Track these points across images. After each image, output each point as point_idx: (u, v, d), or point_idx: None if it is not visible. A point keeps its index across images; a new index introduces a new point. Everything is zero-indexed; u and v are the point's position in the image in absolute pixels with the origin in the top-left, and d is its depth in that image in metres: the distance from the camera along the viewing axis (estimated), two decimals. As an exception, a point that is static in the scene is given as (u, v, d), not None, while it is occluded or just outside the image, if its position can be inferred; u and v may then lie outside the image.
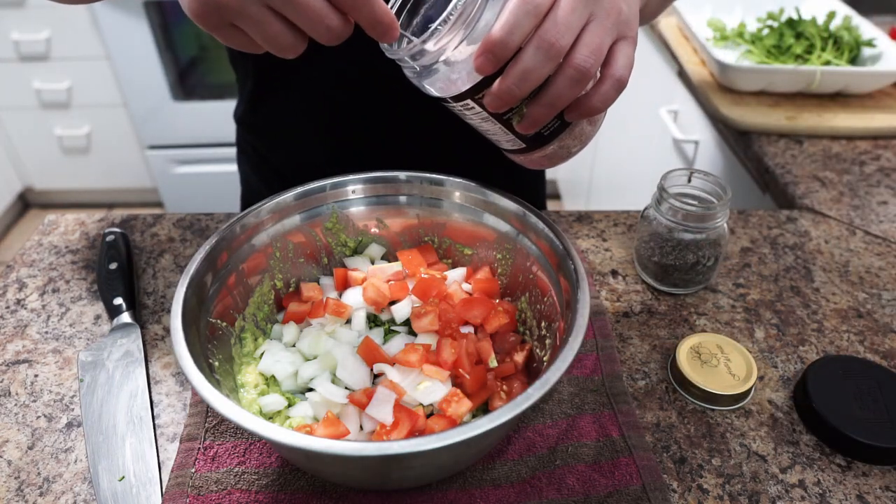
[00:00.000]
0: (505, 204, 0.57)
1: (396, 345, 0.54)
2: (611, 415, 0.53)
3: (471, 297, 0.56)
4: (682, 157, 1.34)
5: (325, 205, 0.59)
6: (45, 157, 2.37)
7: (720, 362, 0.56)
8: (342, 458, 0.38)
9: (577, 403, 0.54)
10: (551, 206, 2.35)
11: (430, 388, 0.49)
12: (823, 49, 1.05)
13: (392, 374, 0.50)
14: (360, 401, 0.47)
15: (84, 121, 2.26)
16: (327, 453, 0.37)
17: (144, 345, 0.60)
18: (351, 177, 0.59)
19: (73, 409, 0.54)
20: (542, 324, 0.53)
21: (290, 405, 0.51)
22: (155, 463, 0.50)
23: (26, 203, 2.61)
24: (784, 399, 0.56)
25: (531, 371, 0.54)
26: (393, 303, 0.57)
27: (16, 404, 0.55)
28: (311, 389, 0.51)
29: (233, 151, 0.93)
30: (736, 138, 1.01)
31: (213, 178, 2.26)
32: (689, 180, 0.63)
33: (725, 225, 0.62)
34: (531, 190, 0.89)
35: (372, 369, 0.51)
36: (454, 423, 0.47)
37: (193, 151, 2.22)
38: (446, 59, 0.42)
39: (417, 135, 0.74)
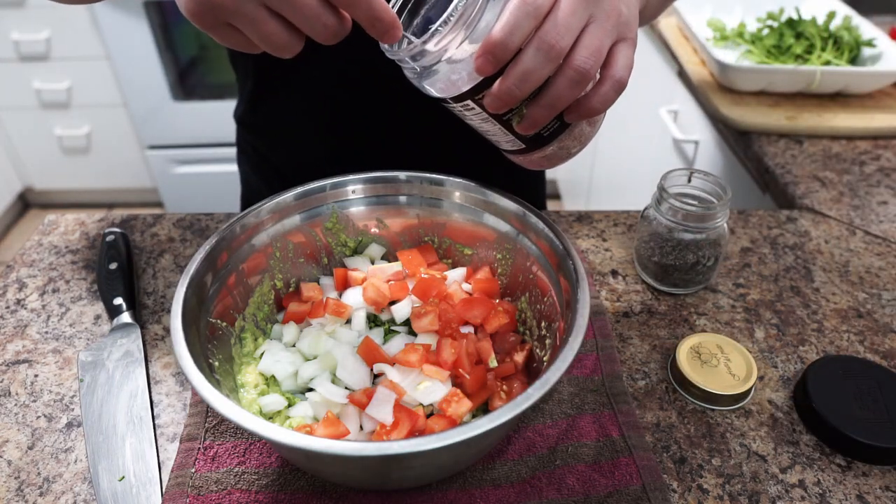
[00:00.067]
0: (505, 204, 0.57)
1: (396, 345, 0.54)
2: (611, 415, 0.53)
3: (471, 297, 0.56)
4: (682, 157, 1.34)
5: (325, 205, 0.59)
6: (45, 157, 2.37)
7: (720, 362, 0.56)
8: (342, 458, 0.38)
9: (577, 403, 0.54)
10: (551, 206, 2.35)
11: (430, 388, 0.49)
12: (823, 49, 1.05)
13: (392, 374, 0.50)
14: (360, 401, 0.47)
15: (84, 121, 2.26)
16: (327, 453, 0.37)
17: (144, 345, 0.60)
18: (351, 177, 0.59)
19: (73, 409, 0.55)
20: (542, 324, 0.53)
21: (290, 405, 0.51)
22: (155, 463, 0.50)
23: (26, 203, 2.61)
24: (784, 399, 0.56)
25: (531, 371, 0.54)
26: (393, 303, 0.57)
27: (16, 404, 0.55)
28: (311, 389, 0.51)
29: (233, 151, 0.93)
30: (736, 138, 1.01)
31: (213, 178, 2.26)
32: (689, 180, 0.63)
33: (725, 225, 0.62)
34: (531, 190, 0.89)
35: (372, 369, 0.51)
36: (454, 423, 0.47)
37: (193, 151, 2.22)
38: (447, 60, 0.42)
39: (417, 135, 0.74)
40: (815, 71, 0.99)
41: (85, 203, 2.59)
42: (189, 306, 0.47)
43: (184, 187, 2.32)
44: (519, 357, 0.53)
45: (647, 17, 0.72)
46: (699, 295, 0.66)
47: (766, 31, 1.13)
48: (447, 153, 0.74)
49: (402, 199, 0.60)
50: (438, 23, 0.41)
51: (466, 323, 0.54)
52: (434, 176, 0.59)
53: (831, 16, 1.09)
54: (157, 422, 0.54)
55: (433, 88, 0.45)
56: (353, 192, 0.60)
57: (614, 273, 0.69)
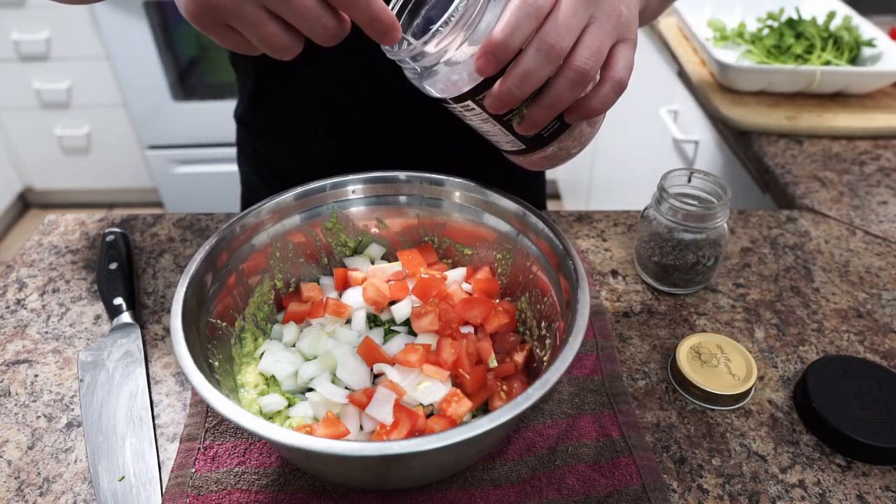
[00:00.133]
0: (505, 204, 0.57)
1: (396, 345, 0.54)
2: (611, 415, 0.53)
3: (471, 297, 0.56)
4: (682, 157, 1.34)
5: (325, 205, 0.59)
6: (45, 157, 2.37)
7: (720, 362, 0.56)
8: (342, 458, 0.38)
9: (577, 403, 0.54)
10: (551, 206, 2.35)
11: (430, 388, 0.49)
12: (823, 49, 1.05)
13: (392, 374, 0.50)
14: (360, 401, 0.47)
15: (84, 121, 2.26)
16: (327, 453, 0.37)
17: (144, 345, 0.60)
18: (351, 177, 0.59)
19: (73, 409, 0.55)
20: (542, 324, 0.53)
21: (290, 405, 0.51)
22: (155, 463, 0.50)
23: (26, 203, 2.61)
24: (784, 399, 0.56)
25: (531, 371, 0.54)
26: (393, 303, 0.57)
27: (16, 404, 0.55)
28: (311, 389, 0.51)
29: (233, 151, 0.93)
30: (736, 138, 1.01)
31: (213, 178, 2.26)
32: (689, 180, 0.63)
33: (725, 225, 0.62)
34: (531, 190, 0.89)
35: (372, 369, 0.51)
36: (454, 423, 0.47)
37: (193, 151, 2.22)
38: (447, 61, 0.42)
39: (417, 135, 0.74)
40: (815, 71, 0.99)
41: (85, 203, 2.59)
42: (189, 306, 0.47)
43: (184, 187, 2.32)
44: (519, 357, 0.53)
45: (648, 17, 0.72)
46: (699, 295, 0.66)
47: (766, 31, 1.13)
48: (447, 153, 0.74)
49: (402, 199, 0.61)
50: (439, 24, 0.41)
51: (466, 323, 0.54)
52: (434, 176, 0.59)
53: (831, 16, 1.09)
54: (157, 422, 0.54)
55: (433, 89, 0.45)
56: (353, 192, 0.60)
57: (614, 273, 0.69)
